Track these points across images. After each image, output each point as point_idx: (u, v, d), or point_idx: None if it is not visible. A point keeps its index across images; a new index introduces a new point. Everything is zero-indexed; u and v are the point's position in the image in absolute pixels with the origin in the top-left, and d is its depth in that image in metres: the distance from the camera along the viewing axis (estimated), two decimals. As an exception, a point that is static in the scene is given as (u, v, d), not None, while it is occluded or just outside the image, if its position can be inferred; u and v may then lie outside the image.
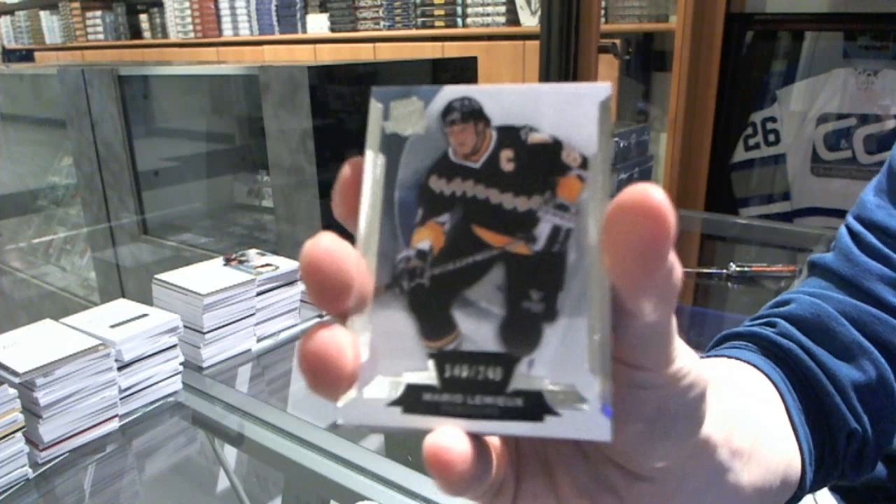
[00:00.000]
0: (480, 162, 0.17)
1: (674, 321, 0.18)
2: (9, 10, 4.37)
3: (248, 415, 0.75)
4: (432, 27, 2.47)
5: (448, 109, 0.18)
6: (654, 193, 0.15)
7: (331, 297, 0.16)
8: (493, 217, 0.17)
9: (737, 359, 0.36)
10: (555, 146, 0.17)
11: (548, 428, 0.16)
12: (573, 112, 0.17)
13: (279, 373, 0.92)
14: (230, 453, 0.76)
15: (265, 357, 0.92)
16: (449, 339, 0.17)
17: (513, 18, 2.29)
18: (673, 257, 0.16)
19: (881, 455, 0.37)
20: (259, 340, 0.92)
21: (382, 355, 0.17)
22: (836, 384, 0.35)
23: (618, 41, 1.97)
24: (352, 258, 0.17)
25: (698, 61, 1.76)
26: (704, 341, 0.43)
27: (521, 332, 0.17)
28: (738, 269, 1.14)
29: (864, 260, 0.38)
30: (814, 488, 0.35)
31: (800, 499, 0.33)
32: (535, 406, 0.16)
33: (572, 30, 1.45)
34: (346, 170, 0.18)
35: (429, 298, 0.17)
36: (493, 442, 0.20)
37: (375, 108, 0.18)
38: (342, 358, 0.16)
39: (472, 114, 0.18)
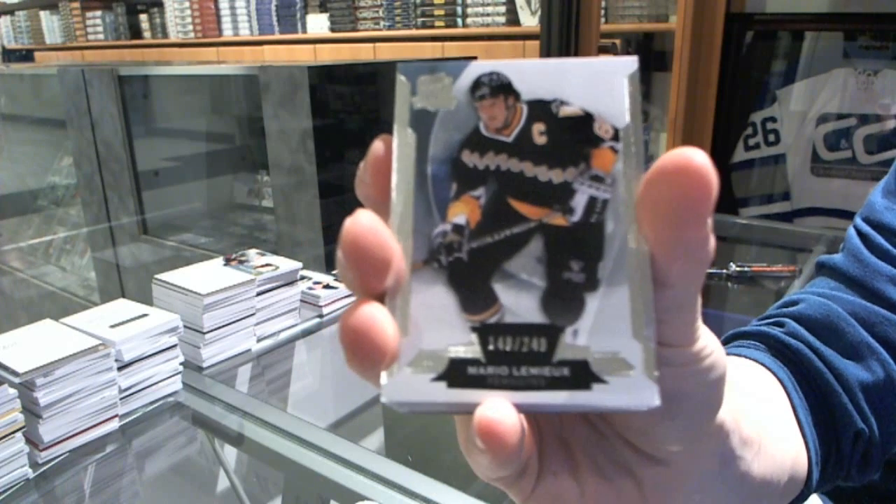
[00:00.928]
0: (512, 136, 0.17)
1: (699, 300, 0.18)
2: (9, 10, 4.37)
3: (248, 415, 0.75)
4: (432, 27, 2.46)
5: (477, 84, 0.18)
6: (695, 155, 0.15)
7: (372, 275, 0.16)
8: (528, 190, 0.17)
9: (744, 357, 0.36)
10: (586, 119, 0.17)
11: (595, 397, 0.16)
12: (603, 85, 0.17)
13: (279, 373, 0.92)
14: (230, 453, 0.76)
15: (265, 357, 0.91)
16: (491, 312, 0.17)
17: (513, 18, 2.29)
18: (710, 225, 0.16)
19: (886, 457, 0.37)
20: (259, 340, 0.92)
21: (424, 331, 0.17)
22: (843, 383, 0.35)
23: (618, 41, 1.97)
24: (390, 234, 0.16)
25: (698, 61, 1.75)
26: None
27: (564, 302, 0.17)
28: (737, 269, 1.14)
29: (874, 261, 0.38)
30: (820, 488, 0.35)
31: (806, 497, 0.33)
32: (583, 375, 0.16)
33: (572, 30, 1.45)
34: (378, 146, 0.18)
35: (468, 272, 0.17)
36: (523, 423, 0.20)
37: (402, 83, 0.18)
38: (384, 334, 0.16)
39: (502, 88, 0.18)
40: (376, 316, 0.16)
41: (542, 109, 0.17)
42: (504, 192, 0.17)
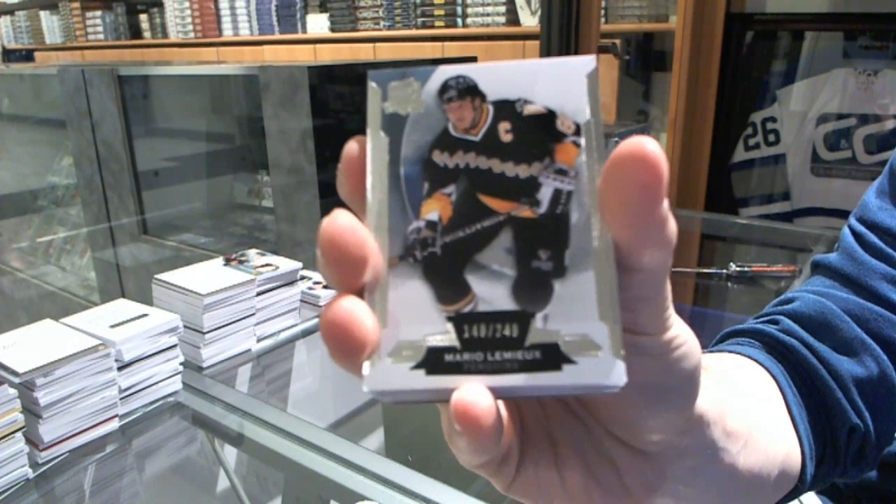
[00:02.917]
0: (480, 135, 0.18)
1: (668, 288, 0.19)
2: (9, 10, 4.37)
3: (248, 415, 0.75)
4: (432, 27, 2.46)
5: (444, 87, 0.18)
6: (646, 143, 0.16)
7: (350, 272, 0.17)
8: (497, 185, 0.18)
9: (739, 354, 0.36)
10: (549, 116, 0.18)
11: (566, 377, 0.17)
12: (564, 84, 0.18)
13: (279, 373, 0.92)
14: (230, 453, 0.76)
15: (265, 357, 0.91)
16: (465, 302, 0.17)
17: (513, 18, 2.29)
18: (667, 207, 0.17)
19: (881, 452, 0.37)
20: (259, 340, 0.92)
21: (402, 322, 0.17)
22: (837, 379, 0.35)
23: (618, 41, 1.97)
24: (367, 232, 0.17)
25: (698, 61, 1.75)
26: (704, 342, 0.43)
27: (534, 289, 0.17)
28: (737, 269, 1.14)
29: (868, 259, 0.39)
30: (815, 484, 0.35)
31: (801, 492, 0.33)
32: (553, 357, 0.17)
33: (572, 30, 1.45)
34: (352, 146, 0.19)
35: (442, 265, 0.18)
36: (501, 410, 0.21)
37: (374, 90, 0.19)
38: (363, 326, 0.17)
39: (468, 90, 0.18)
40: (355, 310, 0.17)
41: (507, 109, 0.18)
42: (474, 188, 0.18)
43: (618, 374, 0.17)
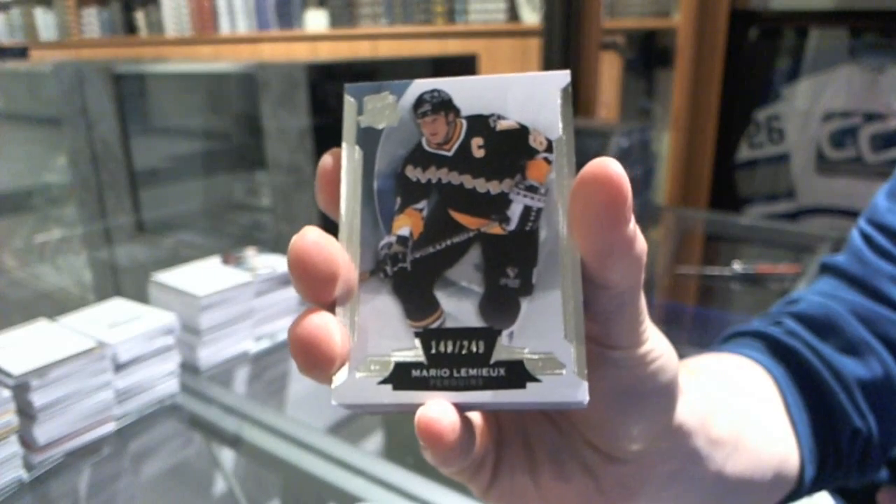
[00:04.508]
0: (453, 150, 0.19)
1: (642, 303, 0.19)
2: (2, 6, 4.35)
3: (246, 417, 0.74)
4: (433, 23, 2.45)
5: (419, 102, 0.19)
6: (610, 164, 0.16)
7: (319, 288, 0.17)
8: (467, 201, 0.18)
9: (740, 355, 0.36)
10: (522, 132, 0.18)
11: (530, 394, 0.17)
12: (537, 99, 0.18)
13: (277, 374, 0.91)
14: (227, 456, 0.76)
15: (263, 358, 0.91)
16: (433, 318, 0.18)
17: (514, 15, 2.28)
18: (634, 227, 0.17)
19: (886, 456, 0.37)
20: (257, 341, 0.91)
21: (370, 337, 0.18)
22: (841, 381, 0.35)
23: (620, 38, 1.96)
24: (337, 249, 0.18)
25: (702, 58, 1.75)
26: (707, 342, 0.44)
27: (501, 306, 0.18)
28: (741, 269, 1.13)
29: (875, 260, 0.39)
30: (818, 487, 0.35)
31: (801, 495, 0.34)
32: (518, 374, 0.17)
33: (574, 26, 1.44)
34: (326, 160, 0.19)
35: (412, 281, 0.18)
36: (476, 419, 0.21)
37: (349, 103, 0.19)
38: (331, 342, 0.17)
39: (443, 105, 0.19)
40: (323, 325, 0.17)
41: (480, 124, 0.19)
42: (445, 204, 0.18)
43: (581, 393, 0.17)
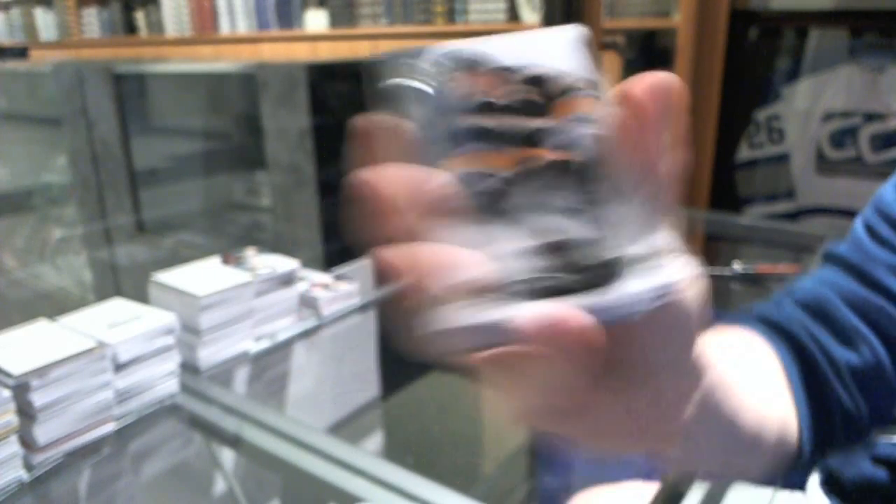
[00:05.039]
0: (505, 99, 0.20)
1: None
2: (2, 6, 4.34)
3: (246, 417, 0.74)
4: (433, 23, 2.45)
5: (458, 60, 0.20)
6: (661, 74, 0.18)
7: (418, 210, 0.19)
8: (535, 137, 0.20)
9: (743, 328, 0.38)
10: (563, 76, 0.20)
11: (642, 284, 0.19)
12: (564, 49, 0.20)
13: (277, 374, 0.91)
14: (227, 456, 0.75)
15: (263, 358, 0.91)
16: (532, 237, 0.19)
17: (514, 15, 2.28)
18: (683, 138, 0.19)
19: (871, 433, 0.39)
20: (257, 341, 0.91)
21: (480, 262, 0.19)
22: (834, 368, 0.37)
23: (620, 38, 1.96)
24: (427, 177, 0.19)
25: (702, 58, 1.75)
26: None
27: (592, 218, 0.20)
28: (741, 269, 1.13)
29: (874, 249, 0.40)
30: (815, 455, 0.36)
31: (800, 465, 0.35)
32: (621, 273, 0.19)
33: (574, 27, 1.44)
34: (363, 123, 0.20)
35: (503, 207, 0.20)
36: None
37: (390, 69, 0.20)
38: (441, 265, 0.18)
39: (484, 61, 0.20)
40: (431, 250, 0.18)
41: (519, 73, 0.20)
42: (516, 141, 0.20)
43: (686, 269, 0.20)
